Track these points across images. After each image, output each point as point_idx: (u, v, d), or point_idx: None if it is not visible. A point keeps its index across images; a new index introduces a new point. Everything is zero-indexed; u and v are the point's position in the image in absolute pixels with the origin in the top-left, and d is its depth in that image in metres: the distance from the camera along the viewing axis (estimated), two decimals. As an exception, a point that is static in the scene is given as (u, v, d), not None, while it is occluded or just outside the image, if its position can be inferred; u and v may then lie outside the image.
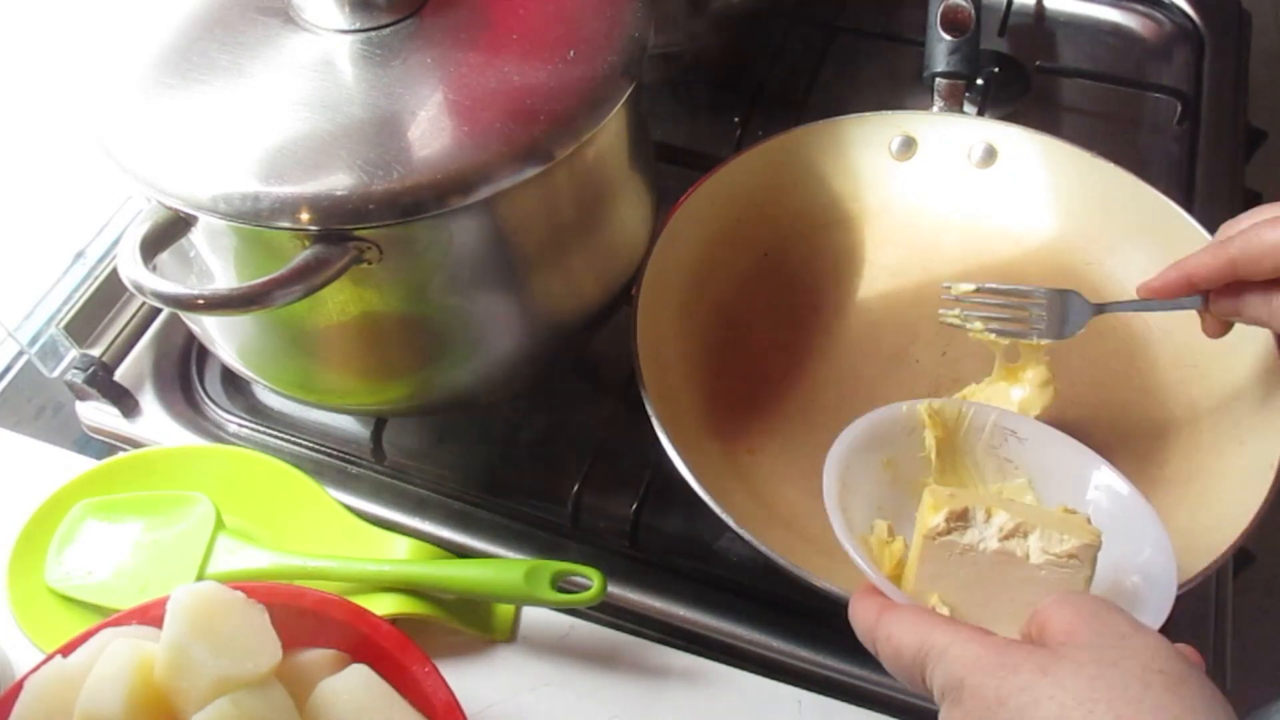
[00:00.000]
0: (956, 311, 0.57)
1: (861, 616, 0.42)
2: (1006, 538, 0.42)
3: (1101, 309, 0.56)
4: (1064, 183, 0.67)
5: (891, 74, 0.83)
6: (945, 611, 0.43)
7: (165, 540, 0.56)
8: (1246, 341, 0.57)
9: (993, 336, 0.57)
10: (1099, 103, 0.83)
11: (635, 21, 0.54)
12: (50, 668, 0.45)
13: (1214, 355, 0.59)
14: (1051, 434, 0.51)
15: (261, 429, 0.64)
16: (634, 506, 0.57)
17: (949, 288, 0.58)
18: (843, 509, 0.46)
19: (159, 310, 0.68)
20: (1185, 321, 0.62)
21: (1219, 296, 0.51)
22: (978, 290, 0.57)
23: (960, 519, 0.43)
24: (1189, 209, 0.63)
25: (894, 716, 0.53)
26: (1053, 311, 0.56)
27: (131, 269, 0.45)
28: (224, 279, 0.51)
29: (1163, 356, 0.62)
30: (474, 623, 0.55)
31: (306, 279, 0.45)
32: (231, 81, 0.49)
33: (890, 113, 0.69)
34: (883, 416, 0.50)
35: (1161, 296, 0.53)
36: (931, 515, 0.43)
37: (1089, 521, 0.43)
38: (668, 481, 0.54)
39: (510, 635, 0.55)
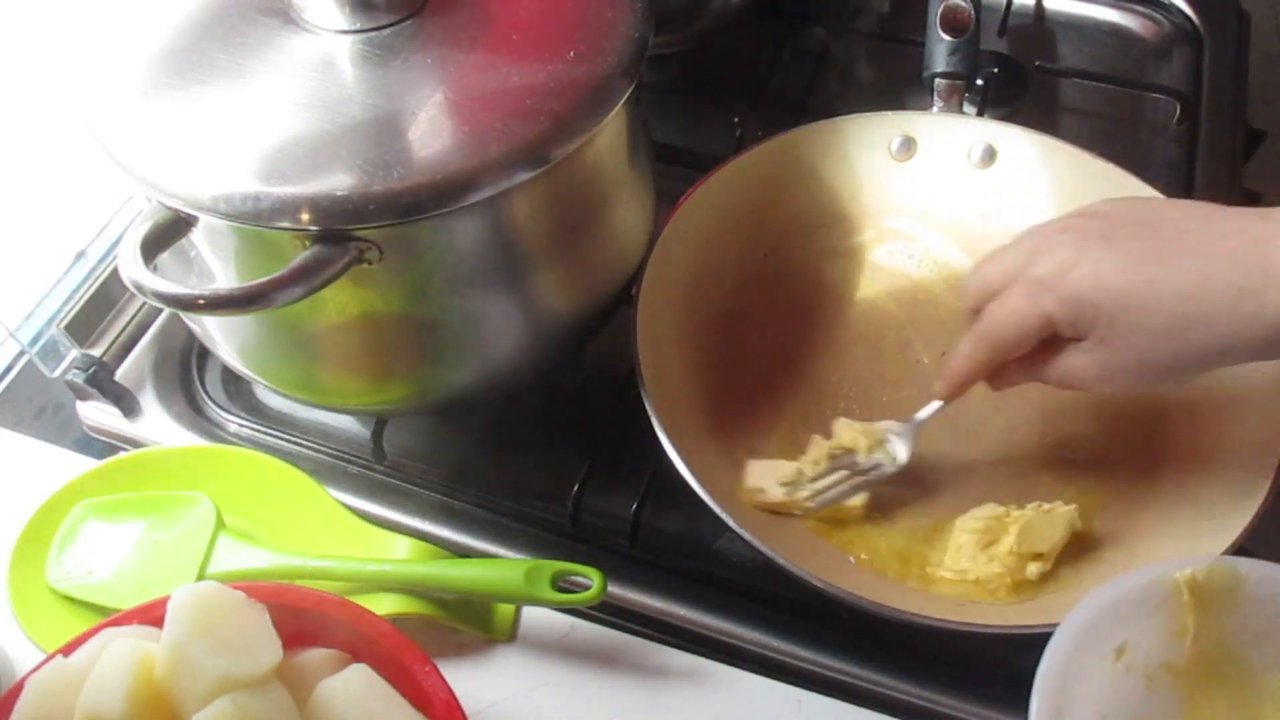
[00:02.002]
0: (807, 497, 0.56)
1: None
2: None
3: (916, 425, 0.57)
4: (1063, 183, 0.67)
5: (891, 74, 0.83)
6: None
7: (166, 540, 0.56)
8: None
9: (858, 501, 0.56)
10: (1099, 103, 0.83)
11: (635, 21, 0.54)
12: (51, 667, 0.45)
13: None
14: None
15: (262, 429, 0.64)
16: (634, 506, 0.57)
17: (782, 481, 0.57)
18: None
19: (160, 310, 0.68)
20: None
21: (994, 378, 0.53)
22: (804, 478, 0.57)
23: None
24: (1188, 209, 0.63)
25: (894, 716, 0.53)
26: (879, 454, 0.57)
27: (132, 269, 0.45)
28: (224, 279, 0.51)
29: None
30: (474, 623, 0.55)
31: (307, 279, 0.45)
32: (232, 82, 0.49)
33: (890, 113, 0.69)
34: (1118, 593, 0.40)
35: (950, 399, 0.55)
36: None
37: None
38: (668, 481, 0.54)
39: (510, 635, 0.55)
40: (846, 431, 0.58)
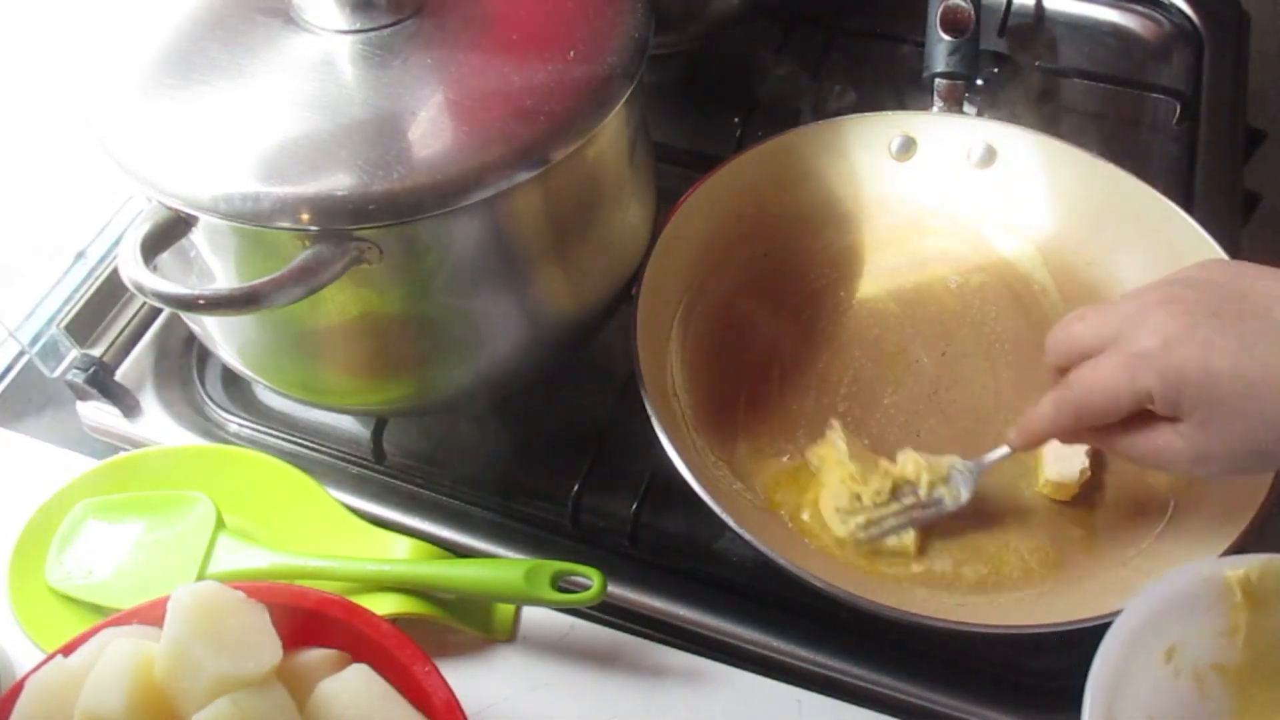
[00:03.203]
0: (861, 526, 0.55)
1: None
2: None
3: (980, 467, 0.56)
4: (1063, 183, 0.67)
5: (891, 74, 0.83)
6: None
7: (166, 540, 0.56)
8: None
9: (909, 539, 0.55)
10: (1098, 103, 0.83)
11: (635, 21, 0.54)
12: (51, 667, 0.45)
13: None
14: None
15: (261, 429, 0.64)
16: (634, 506, 0.57)
17: (839, 509, 0.56)
18: None
19: (160, 310, 0.68)
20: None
21: (1066, 436, 0.51)
22: (863, 508, 0.55)
23: None
24: (1188, 209, 0.63)
25: (894, 716, 0.53)
26: (935, 494, 0.56)
27: (132, 269, 0.45)
28: (224, 279, 0.51)
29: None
30: (474, 623, 0.55)
31: (307, 279, 0.45)
32: (232, 82, 0.49)
33: (890, 113, 0.69)
34: (1168, 593, 0.39)
35: (1020, 451, 0.54)
36: None
37: None
38: (668, 481, 0.54)
39: (510, 635, 0.56)
40: (910, 463, 0.56)
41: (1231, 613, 0.40)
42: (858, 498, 0.56)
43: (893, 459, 0.57)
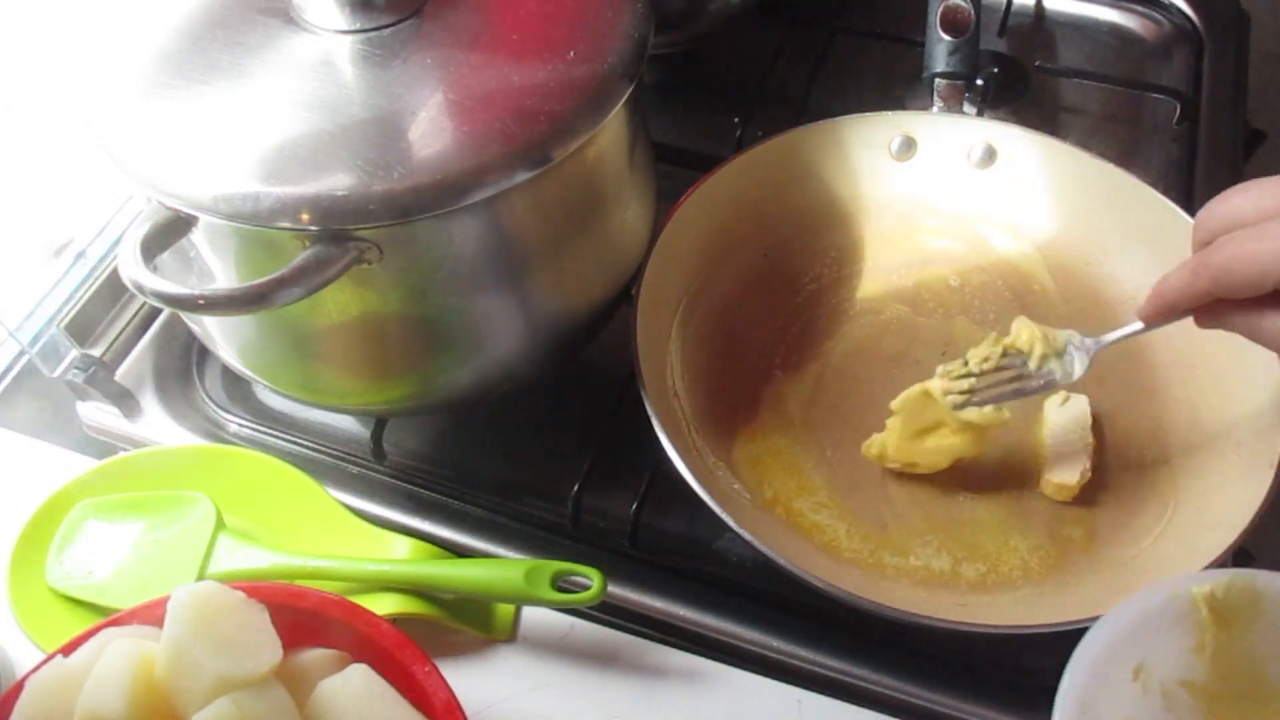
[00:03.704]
0: (962, 391, 0.54)
1: None
2: None
3: (1099, 344, 0.54)
4: (1063, 183, 0.67)
5: (891, 74, 0.83)
6: None
7: (166, 540, 0.56)
8: (1246, 344, 0.57)
9: (1006, 413, 0.54)
10: (1098, 103, 0.83)
11: (635, 21, 0.54)
12: (51, 667, 0.45)
13: (1214, 356, 0.59)
14: None
15: (261, 429, 0.64)
16: (634, 506, 0.57)
17: (945, 371, 0.55)
18: None
19: (160, 310, 0.68)
20: (1186, 324, 0.62)
21: (1203, 314, 0.49)
22: (967, 372, 0.54)
23: None
24: (1188, 209, 0.63)
25: (894, 716, 0.53)
26: (1047, 369, 0.54)
27: (132, 269, 0.45)
28: (224, 279, 0.51)
29: (1162, 357, 0.62)
30: (474, 623, 0.55)
31: (307, 279, 0.45)
32: (232, 82, 0.49)
33: (890, 113, 0.69)
34: (1136, 612, 0.39)
35: (1151, 324, 0.51)
36: None
37: None
38: (668, 481, 0.54)
39: (510, 635, 0.56)
40: (1025, 331, 0.54)
41: (1199, 630, 0.40)
42: (964, 363, 0.54)
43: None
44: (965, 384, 0.53)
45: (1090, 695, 0.37)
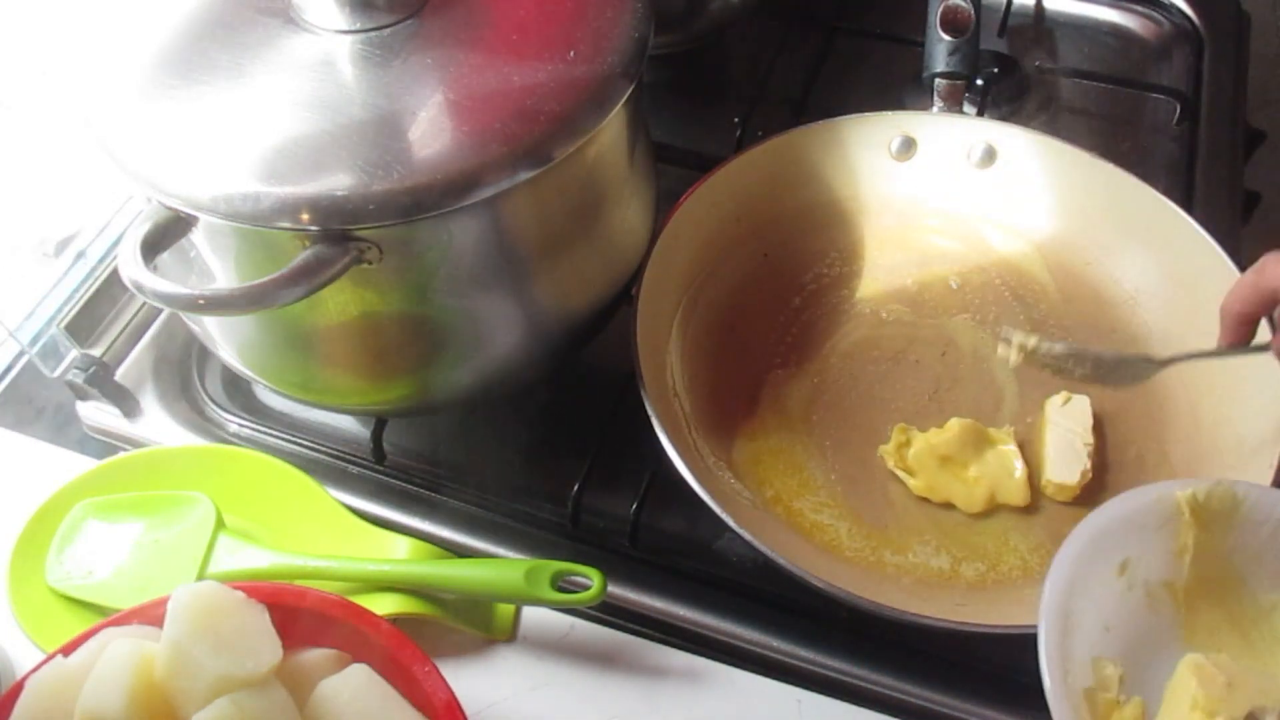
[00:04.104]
0: (1015, 353, 0.56)
1: None
2: None
3: (1167, 364, 0.54)
4: (1063, 183, 0.67)
5: (891, 74, 0.83)
6: None
7: (166, 540, 0.56)
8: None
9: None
10: (1098, 103, 0.83)
11: (635, 21, 0.54)
12: (51, 667, 0.45)
13: (1214, 358, 0.59)
14: None
15: (261, 429, 0.64)
16: (634, 506, 0.57)
17: (1008, 334, 0.56)
18: (1062, 652, 0.37)
19: (160, 310, 0.68)
20: (1186, 323, 0.62)
21: None
22: (1038, 348, 0.55)
23: None
24: (1188, 209, 0.63)
25: (894, 716, 0.53)
26: (1117, 367, 0.55)
27: (132, 269, 0.45)
28: (224, 279, 0.51)
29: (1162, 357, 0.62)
30: (474, 623, 0.55)
31: (307, 279, 0.45)
32: (232, 82, 0.49)
33: (890, 113, 0.69)
34: (1123, 509, 0.41)
35: (1233, 343, 0.50)
36: (1198, 716, 0.34)
37: None
38: (668, 481, 0.54)
39: (510, 635, 0.55)
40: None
41: (1181, 532, 0.41)
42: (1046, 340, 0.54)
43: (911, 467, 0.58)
44: (1044, 359, 0.54)
45: (1077, 584, 0.39)
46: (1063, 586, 0.38)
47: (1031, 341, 0.55)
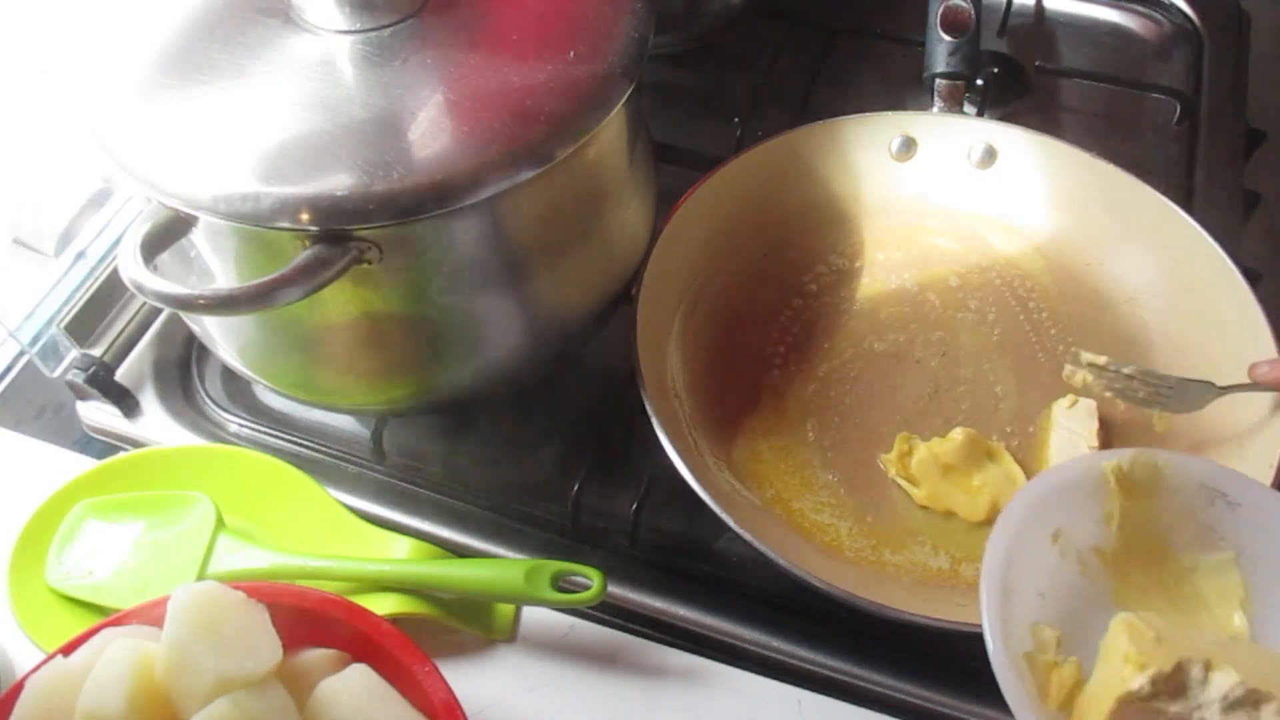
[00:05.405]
0: (1081, 374, 0.55)
1: None
2: (1231, 708, 0.35)
3: (1226, 391, 0.54)
4: (1064, 183, 0.67)
5: (891, 74, 0.83)
6: None
7: (166, 540, 0.56)
8: (1247, 345, 0.57)
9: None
10: (1099, 103, 0.83)
11: (635, 21, 0.54)
12: (51, 667, 0.45)
13: (1214, 357, 0.59)
14: (1277, 499, 0.43)
15: (261, 429, 0.64)
16: (634, 506, 0.57)
17: (1077, 354, 0.55)
18: (1003, 619, 0.38)
19: (160, 310, 0.68)
20: (1186, 324, 0.62)
21: None
22: (1108, 367, 0.54)
23: (1170, 682, 0.35)
24: (1188, 209, 0.63)
25: (894, 716, 0.53)
26: (1179, 391, 0.54)
27: (132, 269, 0.45)
28: (224, 279, 0.51)
29: (1163, 358, 0.62)
30: (474, 623, 0.55)
31: (307, 279, 0.45)
32: (232, 82, 0.49)
33: (890, 113, 0.69)
34: (1054, 482, 0.43)
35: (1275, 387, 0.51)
36: (1130, 670, 0.36)
37: None
38: (668, 481, 0.54)
39: (510, 635, 0.55)
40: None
41: (1108, 500, 0.43)
42: (1112, 364, 0.54)
43: (904, 464, 0.58)
44: (1112, 379, 0.53)
45: (1014, 554, 0.40)
46: (1001, 557, 0.40)
47: (1101, 361, 0.55)
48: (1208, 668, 0.35)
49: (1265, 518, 0.42)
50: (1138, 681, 0.35)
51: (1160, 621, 0.38)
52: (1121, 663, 0.36)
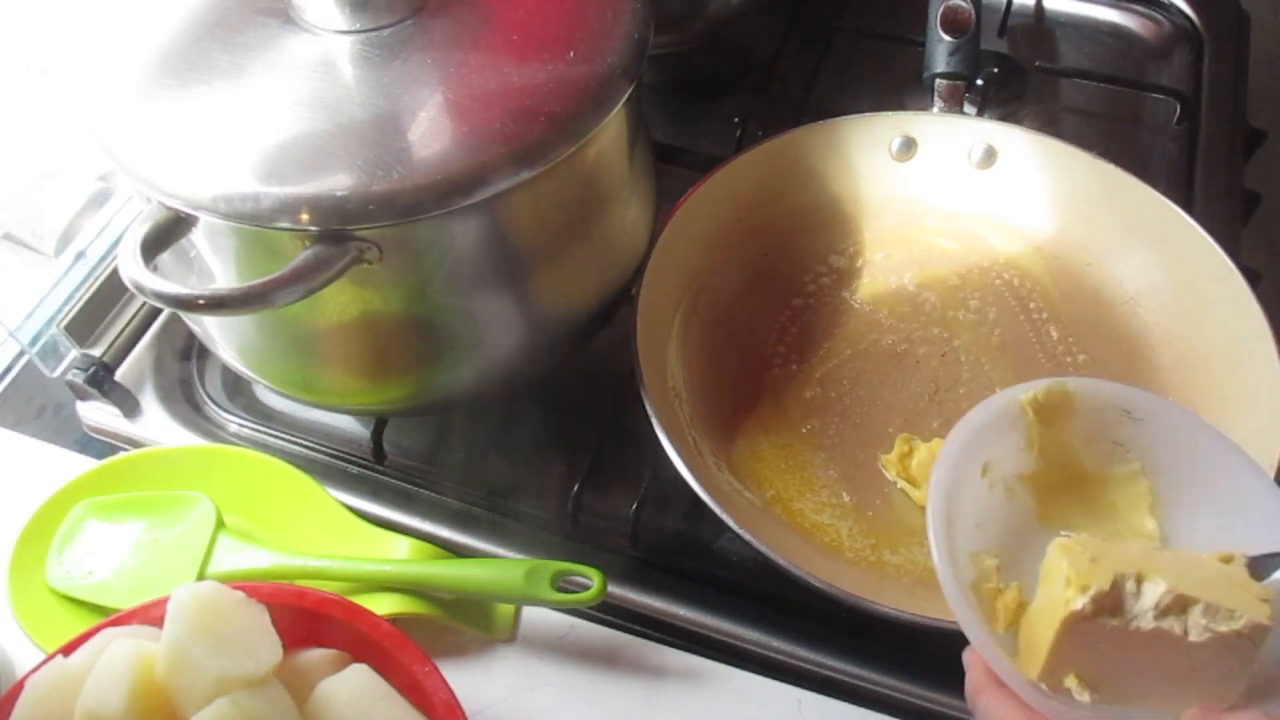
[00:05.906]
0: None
1: (972, 673, 0.40)
2: (1164, 614, 0.37)
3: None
4: (1064, 183, 0.67)
5: (891, 74, 0.83)
6: (1085, 695, 0.38)
7: (166, 540, 0.56)
8: (1247, 345, 0.57)
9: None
10: (1098, 103, 0.83)
11: (635, 21, 0.54)
12: (51, 667, 0.45)
13: (1214, 359, 0.59)
14: (1176, 413, 0.46)
15: (261, 429, 0.64)
16: (634, 506, 0.57)
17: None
18: (951, 553, 0.40)
19: (160, 310, 0.68)
20: (1186, 324, 0.62)
21: None
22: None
23: (1109, 599, 0.36)
24: (1188, 209, 0.63)
25: (894, 717, 0.53)
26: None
27: (132, 269, 0.45)
28: (224, 279, 0.51)
29: (1163, 359, 0.62)
30: (474, 623, 0.55)
31: (307, 279, 0.45)
32: (232, 82, 0.49)
33: (890, 113, 0.69)
34: (980, 419, 0.45)
35: None
36: (1072, 591, 0.37)
37: (1252, 575, 0.38)
38: (668, 481, 0.54)
39: (510, 635, 0.56)
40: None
41: (1027, 429, 0.45)
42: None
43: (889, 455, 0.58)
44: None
45: (953, 489, 0.43)
46: (943, 492, 0.42)
47: None
48: (1139, 580, 0.37)
49: (1165, 428, 0.45)
50: (1080, 602, 0.37)
51: (1093, 542, 0.39)
52: (1063, 585, 0.38)
